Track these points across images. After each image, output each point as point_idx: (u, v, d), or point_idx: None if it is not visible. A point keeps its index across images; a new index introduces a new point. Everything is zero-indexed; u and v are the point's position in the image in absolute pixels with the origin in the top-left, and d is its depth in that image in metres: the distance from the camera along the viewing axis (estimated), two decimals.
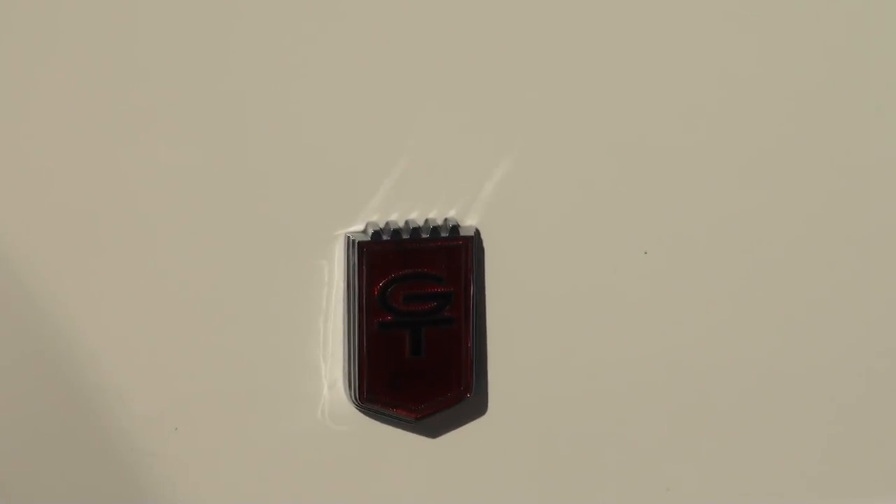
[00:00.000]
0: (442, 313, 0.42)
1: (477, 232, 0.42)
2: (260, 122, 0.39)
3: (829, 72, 0.44)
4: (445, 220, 0.42)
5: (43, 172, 0.38)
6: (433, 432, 0.42)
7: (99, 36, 0.38)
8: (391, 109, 0.41)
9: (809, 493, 0.45)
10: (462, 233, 0.42)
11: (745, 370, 0.45)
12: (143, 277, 0.39)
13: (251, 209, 0.40)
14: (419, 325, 0.42)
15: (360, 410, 0.42)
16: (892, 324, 0.45)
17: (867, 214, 0.45)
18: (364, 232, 0.41)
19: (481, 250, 0.43)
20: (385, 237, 0.42)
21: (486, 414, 0.42)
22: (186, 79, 0.38)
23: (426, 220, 0.42)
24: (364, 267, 0.41)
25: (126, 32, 0.38)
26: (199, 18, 0.38)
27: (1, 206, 0.38)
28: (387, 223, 0.42)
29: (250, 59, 0.39)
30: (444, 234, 0.42)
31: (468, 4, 0.41)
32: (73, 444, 0.40)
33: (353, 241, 0.41)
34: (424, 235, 0.42)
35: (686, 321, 0.44)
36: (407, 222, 0.42)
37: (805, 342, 0.45)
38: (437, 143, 0.41)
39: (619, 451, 0.44)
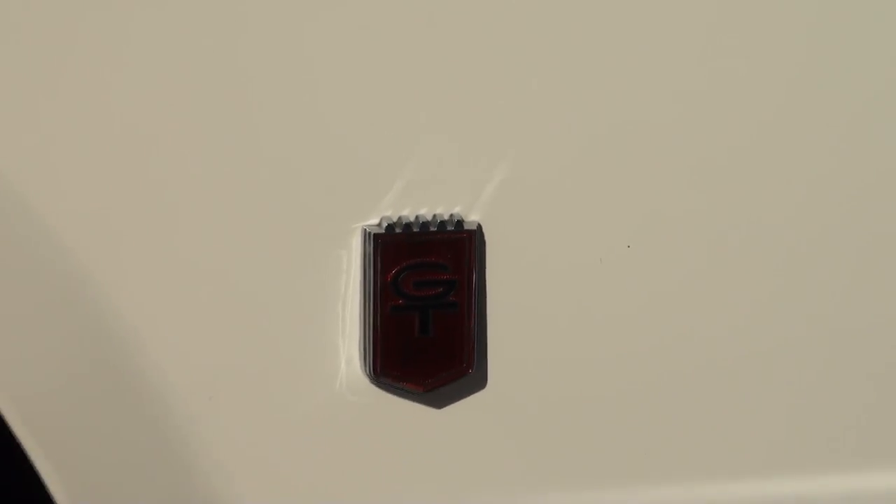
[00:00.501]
0: (447, 298, 0.46)
1: (479, 227, 0.46)
2: (293, 133, 0.43)
3: (809, 66, 0.47)
4: (451, 215, 0.46)
5: (100, 166, 0.42)
6: (438, 403, 0.46)
7: (131, 36, 0.41)
8: (405, 118, 0.44)
9: (771, 462, 0.49)
10: (466, 227, 0.46)
11: (723, 349, 0.48)
12: (187, 265, 0.43)
13: (281, 206, 0.44)
14: (427, 308, 0.46)
15: (374, 384, 0.46)
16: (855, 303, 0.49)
17: (830, 199, 0.48)
18: (379, 225, 0.45)
19: (483, 243, 0.46)
20: (398, 230, 0.45)
21: (486, 388, 0.47)
22: (226, 85, 0.42)
23: (434, 216, 0.46)
24: (378, 256, 0.45)
25: (156, 30, 0.41)
26: (229, 22, 0.42)
27: (54, 192, 0.42)
28: (399, 217, 0.45)
29: (282, 72, 0.42)
30: (449, 228, 0.46)
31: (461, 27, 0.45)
32: (121, 410, 0.44)
33: (369, 233, 0.45)
34: (432, 229, 0.46)
35: (668, 305, 0.47)
36: (417, 217, 0.46)
37: (777, 326, 0.49)
38: (444, 149, 0.45)
39: (605, 420, 0.47)
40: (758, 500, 0.49)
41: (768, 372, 0.48)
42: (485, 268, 0.46)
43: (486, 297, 0.46)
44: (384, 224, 0.45)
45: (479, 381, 0.46)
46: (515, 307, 0.46)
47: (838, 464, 0.51)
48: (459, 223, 0.46)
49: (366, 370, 0.45)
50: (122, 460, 0.45)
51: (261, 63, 0.42)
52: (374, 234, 0.45)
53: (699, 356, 0.48)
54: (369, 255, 0.45)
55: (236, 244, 0.44)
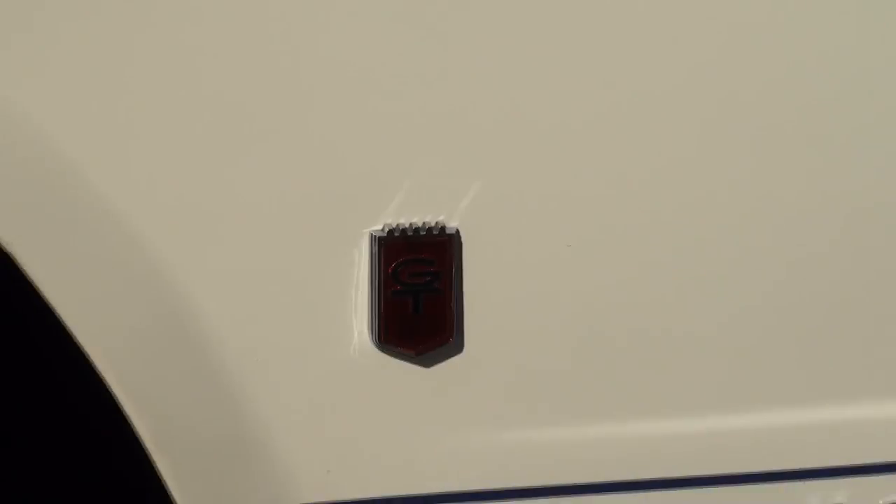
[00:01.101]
0: (434, 285, 0.59)
1: (457, 231, 0.59)
2: (325, 163, 0.56)
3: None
4: (436, 223, 0.59)
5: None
6: (426, 364, 0.60)
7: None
8: (403, 152, 0.58)
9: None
10: (447, 232, 0.59)
11: (693, 312, 0.61)
12: (250, 261, 0.56)
13: (313, 216, 0.57)
14: (418, 293, 0.59)
15: (378, 349, 0.59)
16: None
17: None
18: (382, 230, 0.58)
19: (460, 244, 0.59)
20: (396, 234, 0.58)
21: (462, 352, 0.60)
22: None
23: (423, 223, 0.59)
24: (381, 254, 0.58)
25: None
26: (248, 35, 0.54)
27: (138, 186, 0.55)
28: (397, 224, 0.58)
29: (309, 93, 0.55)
30: (435, 233, 0.59)
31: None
32: (192, 368, 0.57)
33: (375, 236, 0.58)
34: (422, 233, 0.59)
35: (624, 282, 0.60)
36: (410, 224, 0.59)
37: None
38: (431, 174, 0.58)
39: (559, 370, 0.60)
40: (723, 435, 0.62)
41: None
42: (462, 262, 0.59)
43: (462, 284, 0.59)
44: (386, 229, 0.58)
45: (458, 348, 0.60)
46: (485, 292, 0.60)
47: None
48: (442, 229, 0.59)
49: (372, 339, 0.59)
50: (193, 405, 0.58)
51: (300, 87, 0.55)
52: (378, 237, 0.58)
53: (658, 317, 0.61)
54: (375, 253, 0.58)
55: (281, 244, 0.57)
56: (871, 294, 0.63)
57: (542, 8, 0.58)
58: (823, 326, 0.63)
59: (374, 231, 0.58)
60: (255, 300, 0.58)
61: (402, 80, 0.57)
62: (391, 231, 0.57)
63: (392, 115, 0.57)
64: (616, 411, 0.61)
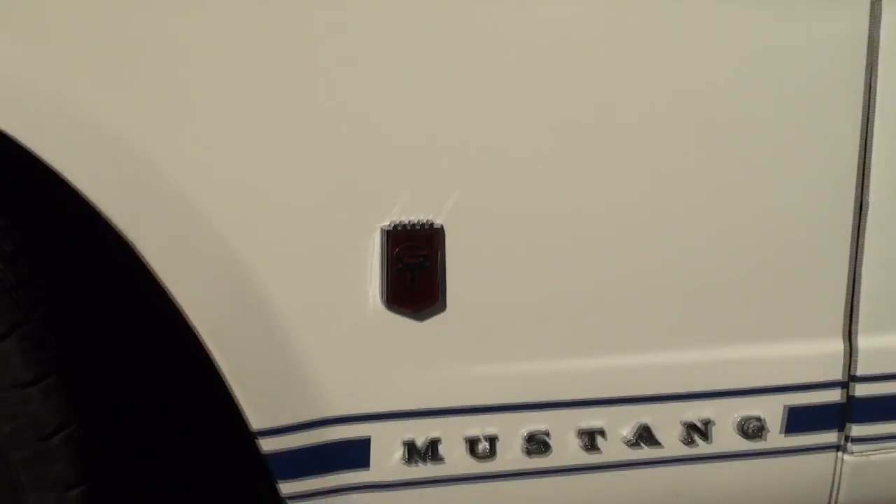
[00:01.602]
0: (425, 264, 0.81)
1: (442, 227, 0.81)
2: (360, 182, 0.79)
3: None
4: (427, 220, 0.81)
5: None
6: (420, 319, 0.82)
7: None
8: (404, 174, 0.79)
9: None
10: (434, 227, 0.81)
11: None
12: (299, 245, 0.79)
13: (345, 218, 0.79)
14: (415, 270, 0.81)
15: (387, 308, 0.81)
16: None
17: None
18: (389, 226, 0.80)
19: (444, 235, 0.81)
20: (399, 228, 0.80)
21: (445, 310, 0.82)
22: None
23: (417, 221, 0.81)
24: (389, 243, 0.81)
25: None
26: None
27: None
28: (399, 222, 0.80)
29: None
30: (426, 228, 0.81)
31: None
32: (260, 324, 0.81)
33: (384, 230, 0.80)
34: (417, 228, 0.81)
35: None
36: (409, 221, 0.81)
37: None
38: (421, 189, 0.80)
39: (518, 328, 0.84)
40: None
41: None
42: (445, 248, 0.81)
43: (445, 263, 0.82)
44: (392, 225, 0.80)
45: (442, 307, 0.83)
46: (461, 269, 0.82)
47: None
48: (431, 225, 0.81)
49: (382, 301, 0.81)
50: (263, 346, 0.82)
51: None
52: (386, 231, 0.80)
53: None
54: (384, 242, 0.80)
55: (325, 237, 0.79)
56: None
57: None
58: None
59: (383, 226, 0.80)
60: (307, 274, 0.80)
61: (408, 123, 0.80)
62: (395, 226, 0.80)
63: (398, 150, 0.80)
64: (548, 350, 0.85)
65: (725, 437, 0.87)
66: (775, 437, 0.87)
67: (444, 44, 0.78)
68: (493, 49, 0.78)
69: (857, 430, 0.88)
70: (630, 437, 0.85)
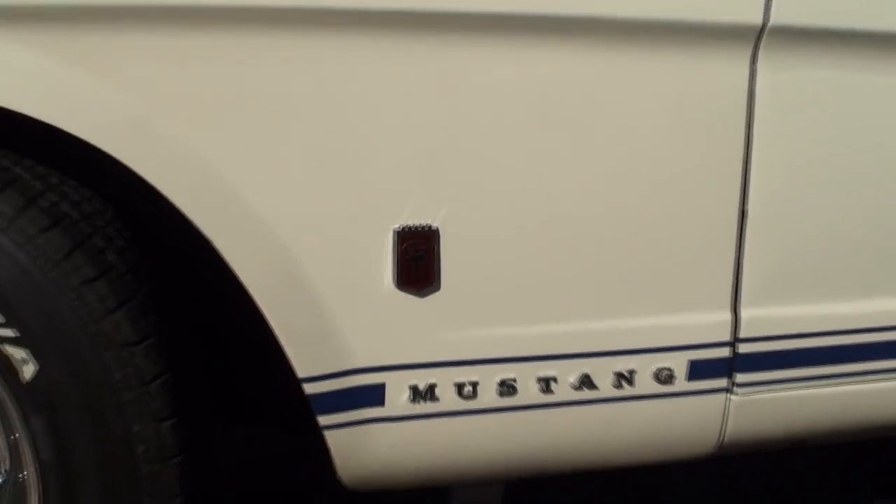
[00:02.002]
0: (426, 256, 1.06)
1: (438, 229, 1.06)
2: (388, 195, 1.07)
3: None
4: (427, 224, 1.06)
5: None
6: (422, 296, 1.07)
7: None
8: (409, 193, 1.05)
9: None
10: (432, 229, 1.06)
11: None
12: (339, 241, 1.06)
13: (371, 224, 1.05)
14: (419, 260, 1.06)
15: (397, 288, 1.07)
16: None
17: None
18: (399, 228, 1.05)
19: (440, 235, 1.06)
20: (405, 230, 1.05)
21: (440, 290, 1.07)
22: None
23: (419, 224, 1.05)
24: (398, 240, 1.05)
25: None
26: None
27: None
28: (406, 224, 1.05)
29: None
30: (425, 229, 1.07)
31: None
32: (304, 295, 1.07)
33: (395, 231, 1.05)
34: (418, 229, 1.06)
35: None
36: (413, 225, 1.05)
37: None
38: (421, 204, 1.07)
39: (495, 302, 1.11)
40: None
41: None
42: (440, 245, 1.07)
43: (440, 256, 1.07)
44: (401, 227, 1.05)
45: (437, 287, 1.07)
46: (452, 261, 1.08)
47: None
48: (429, 227, 1.05)
49: (394, 283, 1.06)
50: (306, 310, 1.07)
51: None
52: (397, 231, 1.05)
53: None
54: (395, 240, 1.05)
55: (355, 238, 1.05)
56: None
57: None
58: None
59: (395, 228, 1.05)
60: (342, 263, 1.05)
61: (414, 161, 1.05)
62: (403, 228, 1.05)
63: (406, 178, 1.05)
64: (515, 319, 1.12)
65: (645, 383, 1.15)
66: (681, 383, 1.16)
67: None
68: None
69: (740, 377, 1.16)
70: (575, 382, 1.13)
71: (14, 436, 1.06)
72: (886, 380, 1.19)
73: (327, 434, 1.12)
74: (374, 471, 1.14)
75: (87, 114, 0.98)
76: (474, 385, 1.11)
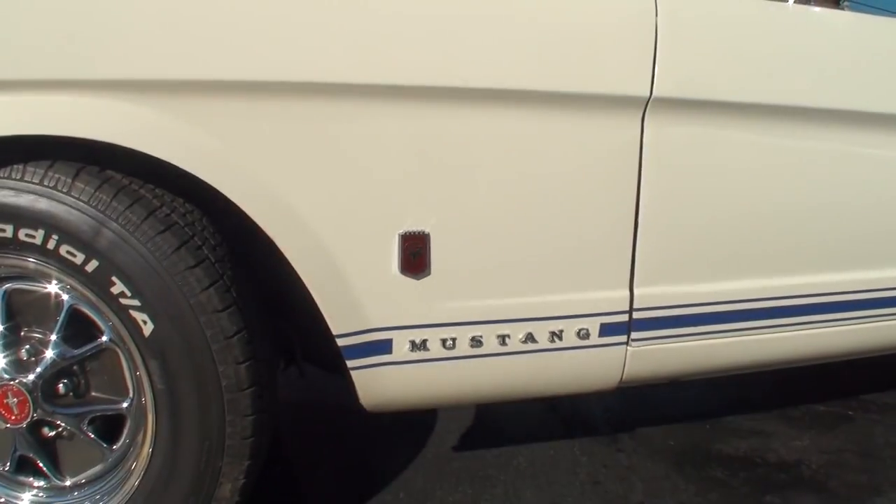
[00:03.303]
0: (421, 251, 1.46)
1: (428, 233, 1.44)
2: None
3: None
4: (420, 230, 1.45)
5: None
6: (418, 279, 1.47)
7: None
8: (407, 210, 1.42)
9: None
10: (424, 233, 1.45)
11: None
12: (362, 241, 1.41)
13: (385, 230, 1.42)
14: (416, 254, 1.46)
15: (402, 274, 1.46)
16: None
17: None
18: (403, 232, 1.44)
19: (429, 238, 1.45)
20: (407, 233, 1.44)
21: (430, 275, 1.47)
22: None
23: (416, 230, 1.45)
24: (401, 241, 1.44)
25: None
26: None
27: None
28: (407, 229, 1.44)
29: None
30: (419, 233, 1.45)
31: None
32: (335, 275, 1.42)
33: (399, 234, 1.44)
34: (416, 233, 1.45)
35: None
36: (412, 230, 1.44)
37: None
38: (417, 216, 1.43)
39: (470, 284, 1.47)
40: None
41: None
42: (430, 244, 1.45)
43: (431, 252, 1.45)
44: (404, 231, 1.44)
45: (428, 273, 1.47)
46: (440, 256, 1.46)
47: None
48: (422, 231, 1.45)
49: (399, 270, 1.45)
50: (341, 293, 1.42)
51: None
52: (401, 235, 1.44)
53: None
54: (400, 240, 1.44)
55: (375, 241, 1.42)
56: None
57: None
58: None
59: (399, 232, 1.44)
60: (365, 256, 1.43)
61: (411, 186, 1.41)
62: (406, 232, 1.44)
63: (408, 198, 1.41)
64: (482, 294, 1.48)
65: (570, 339, 1.53)
66: (595, 339, 1.55)
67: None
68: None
69: (634, 335, 1.55)
70: (522, 338, 1.52)
71: (137, 372, 1.40)
72: (731, 337, 1.59)
73: (353, 373, 1.49)
74: (385, 398, 1.52)
75: (196, 156, 1.32)
76: (454, 339, 1.48)
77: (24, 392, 1.44)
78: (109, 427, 1.55)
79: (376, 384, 1.51)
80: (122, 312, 1.38)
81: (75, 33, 1.27)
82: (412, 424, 2.03)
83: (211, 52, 1.30)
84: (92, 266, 1.37)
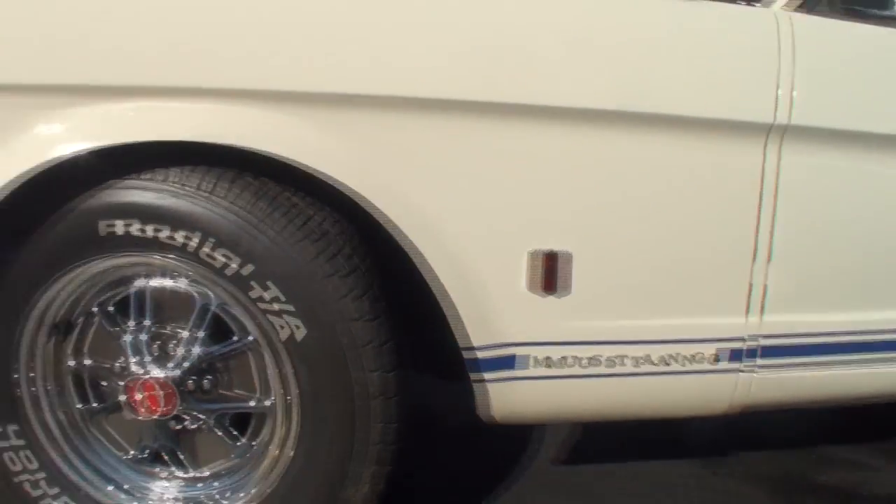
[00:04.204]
0: (548, 270, 1.48)
1: (570, 253, 1.49)
2: None
3: None
4: (563, 249, 1.49)
5: None
6: (557, 295, 1.50)
7: None
8: None
9: None
10: (554, 251, 1.49)
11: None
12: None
13: (516, 246, 1.47)
14: (557, 271, 1.47)
15: (541, 291, 1.50)
16: None
17: None
18: (532, 251, 1.48)
19: (558, 257, 1.49)
20: (536, 253, 1.48)
21: (570, 294, 1.50)
22: None
23: (547, 248, 1.48)
24: (544, 257, 1.44)
25: None
26: None
27: None
28: (536, 248, 1.49)
29: None
30: (550, 252, 1.48)
31: None
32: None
33: (529, 252, 1.47)
34: (546, 252, 1.48)
35: None
36: (541, 248, 1.48)
37: None
38: (547, 237, 1.48)
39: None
40: None
41: None
42: (558, 263, 1.49)
43: (567, 270, 1.49)
44: (533, 250, 1.48)
45: (567, 291, 1.50)
46: (581, 275, 1.49)
47: None
48: (564, 251, 1.49)
49: (540, 288, 1.48)
50: (477, 309, 1.47)
51: None
52: (529, 253, 1.47)
53: None
54: (529, 259, 1.47)
55: (510, 255, 1.47)
56: None
57: None
58: None
59: (542, 251, 1.48)
60: (499, 273, 1.46)
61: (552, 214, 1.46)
62: (535, 251, 1.47)
63: (549, 218, 1.46)
64: (607, 314, 1.53)
65: (696, 363, 1.57)
66: (720, 364, 1.59)
67: None
68: None
69: (758, 362, 1.60)
70: (655, 359, 1.55)
71: (285, 371, 1.44)
72: (854, 367, 1.63)
73: (476, 385, 1.53)
74: (507, 411, 1.58)
75: (346, 169, 1.37)
76: (588, 358, 1.53)
77: (172, 386, 1.50)
78: (237, 424, 1.61)
79: (500, 397, 1.54)
80: (275, 316, 1.43)
81: (253, 46, 1.33)
82: (514, 432, 2.07)
83: (369, 68, 1.35)
84: (247, 270, 1.41)
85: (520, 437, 2.14)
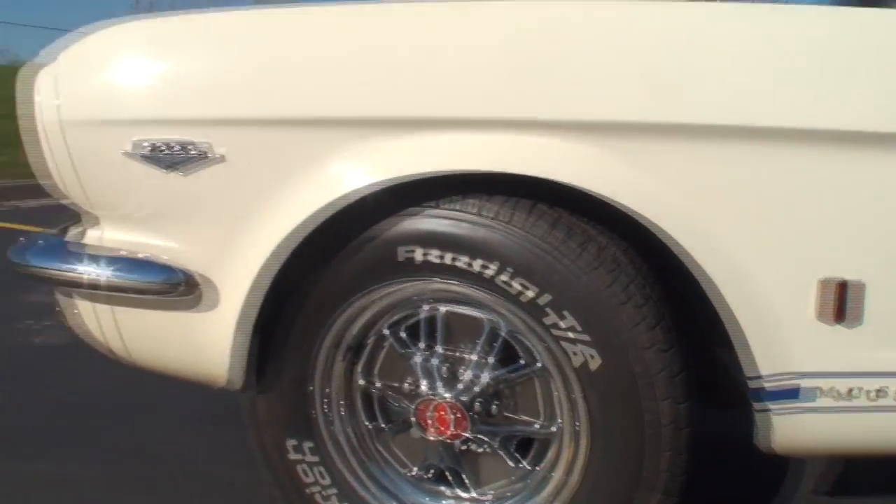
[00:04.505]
0: (852, 299, 1.45)
1: (863, 283, 1.44)
2: None
3: None
4: (856, 278, 1.45)
5: None
6: (848, 325, 1.45)
7: None
8: None
9: None
10: (850, 282, 1.45)
11: None
12: None
13: (806, 276, 1.44)
14: (848, 301, 1.44)
15: (833, 321, 1.45)
16: None
17: None
18: (823, 279, 1.45)
19: (864, 287, 1.45)
20: (827, 280, 1.45)
21: (862, 323, 1.46)
22: None
23: (840, 277, 1.44)
24: (820, 288, 1.45)
25: None
26: None
27: None
28: (826, 276, 1.44)
29: None
30: (854, 282, 1.44)
31: None
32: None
33: (819, 280, 1.45)
34: (838, 281, 1.45)
35: None
36: (833, 277, 1.44)
37: None
38: (845, 262, 1.43)
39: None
40: None
41: None
42: (860, 292, 1.45)
43: (864, 300, 1.45)
44: (824, 278, 1.42)
45: (859, 321, 1.46)
46: (873, 305, 1.44)
47: None
48: (857, 280, 1.45)
49: (831, 317, 1.43)
50: (765, 339, 1.45)
51: None
52: (820, 281, 1.44)
53: None
54: (819, 288, 1.44)
55: (798, 284, 1.44)
56: None
57: None
58: None
59: (819, 278, 1.42)
60: (790, 305, 1.45)
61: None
62: (825, 279, 1.40)
63: (838, 247, 1.42)
64: None
65: None
66: None
67: None
68: None
69: None
70: None
71: (574, 397, 1.48)
72: None
73: (756, 415, 1.50)
74: (793, 443, 1.54)
75: (643, 200, 1.39)
76: (878, 390, 1.47)
77: (462, 409, 1.57)
78: (518, 447, 1.65)
79: (782, 428, 1.52)
80: (570, 344, 1.46)
81: (561, 78, 1.39)
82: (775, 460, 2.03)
83: (661, 98, 1.38)
84: (544, 300, 1.45)
85: (780, 464, 2.10)
